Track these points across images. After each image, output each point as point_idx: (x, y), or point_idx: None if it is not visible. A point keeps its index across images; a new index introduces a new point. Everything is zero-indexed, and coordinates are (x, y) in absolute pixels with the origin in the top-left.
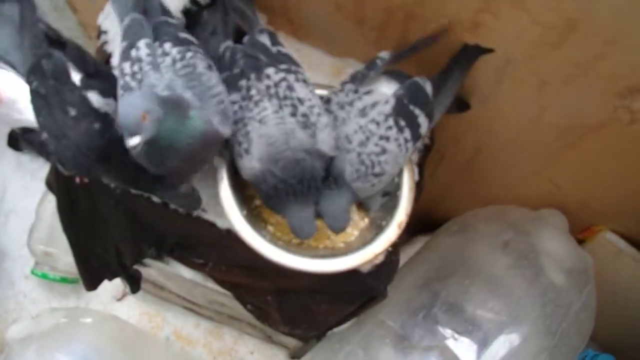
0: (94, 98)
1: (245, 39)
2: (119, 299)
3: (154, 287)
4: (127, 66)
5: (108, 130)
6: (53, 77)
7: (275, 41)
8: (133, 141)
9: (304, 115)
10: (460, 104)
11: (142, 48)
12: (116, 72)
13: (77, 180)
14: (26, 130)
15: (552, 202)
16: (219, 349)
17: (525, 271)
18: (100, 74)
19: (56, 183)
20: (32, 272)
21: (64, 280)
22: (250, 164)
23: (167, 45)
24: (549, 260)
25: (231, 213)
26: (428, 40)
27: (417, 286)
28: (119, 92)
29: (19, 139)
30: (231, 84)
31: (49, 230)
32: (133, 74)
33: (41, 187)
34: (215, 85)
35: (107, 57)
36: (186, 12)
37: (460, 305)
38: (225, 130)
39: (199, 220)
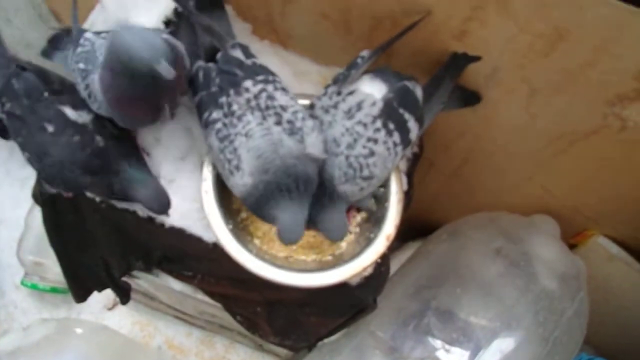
0: (68, 111)
1: (219, 55)
2: (110, 309)
3: (145, 297)
4: (79, 49)
5: (88, 143)
6: (26, 95)
7: (248, 54)
8: (163, 67)
9: (289, 122)
10: (470, 98)
11: (88, 35)
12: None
13: (64, 194)
14: None
15: (543, 207)
16: (211, 358)
17: (517, 279)
18: (68, 89)
19: (41, 196)
20: (22, 283)
21: (54, 290)
22: (242, 180)
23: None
24: (542, 266)
25: (216, 227)
26: (406, 29)
27: (407, 295)
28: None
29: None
30: (211, 103)
31: (38, 240)
32: (84, 46)
33: (30, 196)
34: None
35: None
36: None
37: (452, 313)
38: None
39: (184, 234)
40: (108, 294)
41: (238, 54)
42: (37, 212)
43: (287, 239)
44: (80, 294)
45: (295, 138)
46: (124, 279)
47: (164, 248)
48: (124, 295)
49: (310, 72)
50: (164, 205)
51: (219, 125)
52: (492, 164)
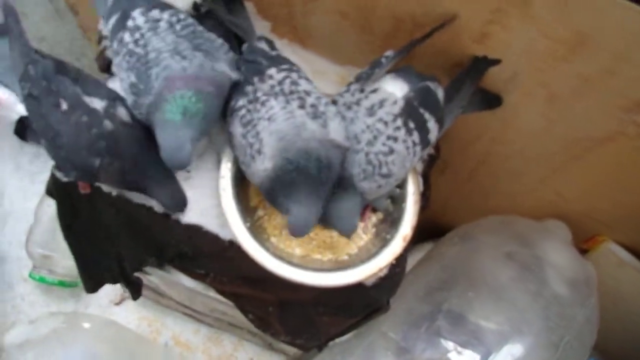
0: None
1: (244, 47)
2: (118, 304)
3: (154, 293)
4: (126, 35)
5: (95, 125)
6: (44, 78)
7: (273, 47)
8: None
9: (313, 105)
10: (491, 101)
11: (138, 17)
12: (114, 45)
13: (80, 189)
14: None
15: (555, 212)
16: (218, 356)
17: (528, 283)
18: (84, 79)
19: (56, 191)
20: (30, 276)
21: (62, 284)
22: (263, 165)
23: (155, 12)
24: (553, 271)
25: (234, 225)
26: (430, 32)
27: (419, 297)
28: (122, 61)
29: (27, 127)
30: (236, 92)
31: (47, 234)
32: (136, 41)
33: (40, 189)
34: (216, 38)
35: (108, 63)
36: None
37: (463, 316)
38: (234, 75)
39: (200, 232)
40: (116, 289)
41: (263, 46)
42: (47, 206)
43: (297, 232)
44: (91, 286)
45: (318, 122)
46: (136, 274)
47: (179, 245)
48: (135, 291)
49: (328, 71)
50: (180, 204)
51: (242, 111)
52: (507, 167)
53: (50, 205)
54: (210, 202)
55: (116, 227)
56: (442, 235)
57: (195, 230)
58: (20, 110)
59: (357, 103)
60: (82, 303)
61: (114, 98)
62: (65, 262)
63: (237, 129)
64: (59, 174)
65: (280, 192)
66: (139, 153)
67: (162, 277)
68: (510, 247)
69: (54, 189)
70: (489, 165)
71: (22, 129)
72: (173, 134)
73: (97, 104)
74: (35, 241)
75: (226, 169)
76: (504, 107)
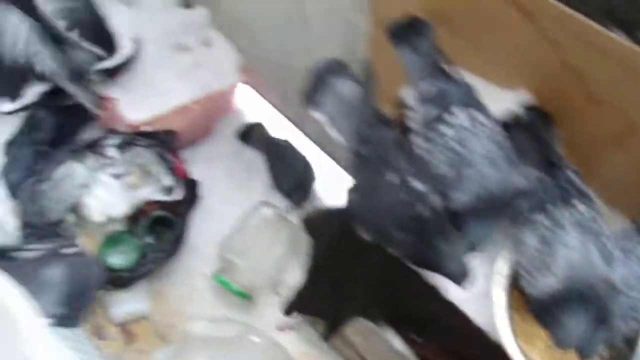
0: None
1: (553, 169)
2: (281, 329)
3: (339, 339)
4: (447, 130)
5: (410, 207)
6: (378, 144)
7: (581, 179)
8: None
9: (604, 245)
10: None
11: (461, 115)
12: (425, 132)
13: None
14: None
15: None
16: None
17: None
18: (415, 158)
19: (327, 228)
20: (215, 277)
21: (241, 294)
22: (547, 281)
23: (479, 115)
24: None
25: (501, 323)
26: None
27: None
28: (433, 149)
29: (251, 133)
30: (533, 202)
31: (244, 243)
32: (457, 140)
33: (244, 199)
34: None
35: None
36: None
37: None
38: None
39: (456, 309)
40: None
41: (572, 175)
42: (253, 219)
43: (565, 348)
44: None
45: (607, 262)
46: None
47: (423, 312)
48: (333, 332)
49: None
50: (467, 277)
51: (540, 227)
52: None
53: (258, 219)
54: (474, 288)
55: (365, 275)
56: None
57: (453, 307)
58: (249, 118)
59: (631, 251)
60: (250, 317)
61: (433, 185)
62: (248, 275)
63: (531, 240)
64: (359, 227)
65: (553, 313)
66: (438, 237)
67: (368, 329)
68: None
69: (323, 224)
70: None
71: (247, 135)
72: None
73: (419, 186)
74: (230, 246)
75: (503, 267)
76: None
